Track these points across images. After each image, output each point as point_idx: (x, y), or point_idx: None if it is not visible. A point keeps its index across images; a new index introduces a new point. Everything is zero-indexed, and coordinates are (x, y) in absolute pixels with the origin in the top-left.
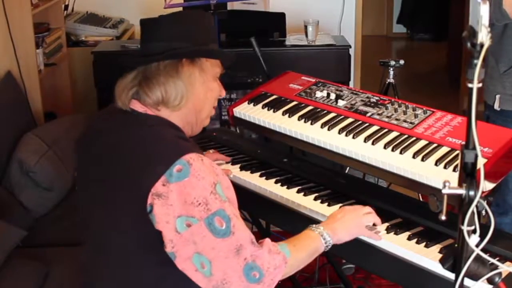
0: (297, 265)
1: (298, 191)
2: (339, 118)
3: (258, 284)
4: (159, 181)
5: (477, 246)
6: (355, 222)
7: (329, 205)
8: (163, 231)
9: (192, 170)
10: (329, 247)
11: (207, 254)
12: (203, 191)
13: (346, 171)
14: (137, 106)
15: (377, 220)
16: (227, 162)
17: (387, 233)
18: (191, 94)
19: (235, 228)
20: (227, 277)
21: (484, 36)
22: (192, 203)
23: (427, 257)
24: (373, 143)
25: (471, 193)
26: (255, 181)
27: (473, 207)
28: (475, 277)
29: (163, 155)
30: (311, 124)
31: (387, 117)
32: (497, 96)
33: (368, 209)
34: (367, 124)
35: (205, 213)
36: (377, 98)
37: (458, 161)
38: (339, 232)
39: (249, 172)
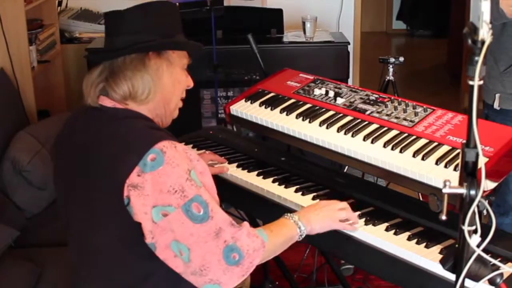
0: (274, 250)
1: (296, 191)
2: (338, 116)
3: (237, 266)
4: (134, 171)
5: (478, 246)
6: (329, 215)
7: None
8: (142, 222)
9: (166, 158)
10: (302, 236)
11: (185, 241)
12: (179, 178)
13: (345, 170)
14: (106, 102)
15: (352, 215)
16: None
17: (387, 233)
18: (159, 87)
19: (213, 213)
20: (206, 262)
21: (485, 33)
22: (168, 192)
23: (427, 258)
24: (372, 142)
25: (472, 192)
26: (252, 180)
27: (474, 207)
28: (476, 278)
29: (136, 145)
30: (309, 122)
31: (387, 115)
32: (497, 95)
33: (343, 204)
34: (366, 123)
35: (182, 200)
36: (376, 95)
37: (459, 160)
38: (313, 222)
39: (246, 171)
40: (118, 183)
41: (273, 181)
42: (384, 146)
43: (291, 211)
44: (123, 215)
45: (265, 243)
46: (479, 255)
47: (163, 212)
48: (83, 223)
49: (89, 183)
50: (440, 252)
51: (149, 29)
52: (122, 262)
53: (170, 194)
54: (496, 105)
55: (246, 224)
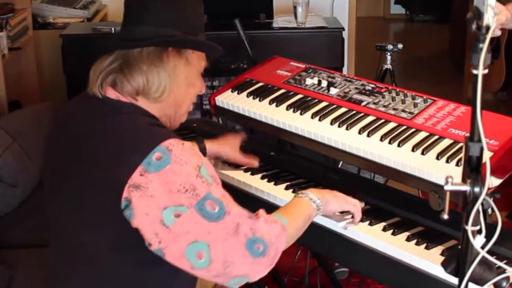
0: (296, 233)
1: (287, 188)
2: (331, 108)
3: (263, 257)
4: (136, 171)
5: (482, 247)
6: (342, 196)
7: None
8: (143, 227)
9: (173, 156)
10: (320, 210)
11: (204, 238)
12: (188, 176)
13: (339, 166)
14: (110, 93)
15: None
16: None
17: (385, 233)
18: (174, 87)
19: (229, 207)
20: (229, 257)
21: (490, 18)
22: (178, 191)
23: (428, 260)
24: (368, 135)
25: (476, 189)
26: (239, 176)
27: (478, 205)
28: (480, 281)
29: (139, 143)
30: (301, 114)
31: (384, 106)
32: None
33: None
34: (362, 114)
35: (194, 199)
36: (373, 85)
37: (462, 155)
38: (327, 196)
39: (232, 166)
40: (118, 183)
41: (262, 178)
42: (381, 139)
43: None
44: (119, 218)
45: (285, 226)
46: (483, 257)
47: (176, 213)
48: (70, 221)
49: (83, 179)
50: (442, 254)
51: (173, 23)
52: (112, 267)
53: (181, 193)
54: None
55: (262, 212)
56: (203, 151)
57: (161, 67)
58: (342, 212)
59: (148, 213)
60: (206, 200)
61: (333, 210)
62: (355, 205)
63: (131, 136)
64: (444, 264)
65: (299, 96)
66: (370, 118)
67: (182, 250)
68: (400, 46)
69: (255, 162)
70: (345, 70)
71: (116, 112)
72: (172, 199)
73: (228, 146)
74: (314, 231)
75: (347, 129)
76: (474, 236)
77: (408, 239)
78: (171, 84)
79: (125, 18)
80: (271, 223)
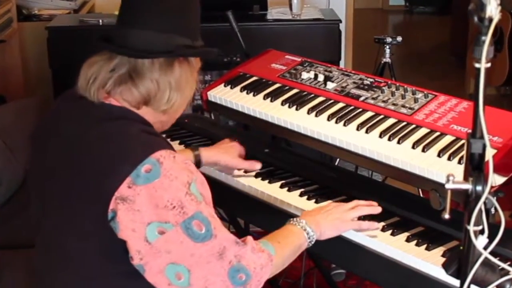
0: (282, 264)
1: (282, 186)
2: (328, 103)
3: (244, 286)
4: (124, 182)
5: (485, 248)
6: (340, 217)
7: (316, 201)
8: (128, 241)
9: (163, 169)
10: (312, 242)
11: (185, 262)
12: (177, 192)
13: (336, 163)
14: (103, 97)
15: (366, 211)
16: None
17: (383, 233)
18: (180, 96)
19: (216, 230)
20: (209, 283)
21: (493, 10)
22: (165, 207)
23: (428, 261)
24: (367, 132)
25: (479, 188)
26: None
27: (480, 204)
28: (482, 283)
29: (129, 153)
30: (296, 109)
31: (383, 101)
32: None
33: (354, 203)
34: (360, 110)
35: (181, 217)
36: (371, 80)
37: (464, 152)
38: (322, 225)
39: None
40: (105, 194)
41: (256, 176)
42: (380, 136)
43: (276, 209)
44: (105, 228)
45: (272, 256)
46: (486, 258)
47: (160, 229)
48: (57, 226)
49: (71, 186)
50: (443, 255)
51: (180, 30)
52: (98, 275)
53: (168, 210)
54: None
55: (249, 238)
56: (198, 159)
57: (171, 76)
58: None
59: (134, 229)
60: (194, 220)
61: (330, 236)
62: (354, 222)
63: (121, 145)
64: (445, 266)
65: (295, 90)
66: (369, 114)
67: (162, 267)
68: (399, 39)
69: (256, 165)
70: (342, 64)
71: (108, 117)
72: (158, 214)
73: (227, 154)
74: None
75: (344, 125)
76: (476, 237)
77: (408, 239)
78: (179, 94)
79: (126, 17)
80: (257, 252)
